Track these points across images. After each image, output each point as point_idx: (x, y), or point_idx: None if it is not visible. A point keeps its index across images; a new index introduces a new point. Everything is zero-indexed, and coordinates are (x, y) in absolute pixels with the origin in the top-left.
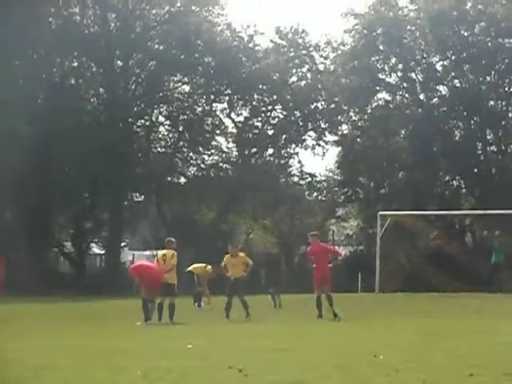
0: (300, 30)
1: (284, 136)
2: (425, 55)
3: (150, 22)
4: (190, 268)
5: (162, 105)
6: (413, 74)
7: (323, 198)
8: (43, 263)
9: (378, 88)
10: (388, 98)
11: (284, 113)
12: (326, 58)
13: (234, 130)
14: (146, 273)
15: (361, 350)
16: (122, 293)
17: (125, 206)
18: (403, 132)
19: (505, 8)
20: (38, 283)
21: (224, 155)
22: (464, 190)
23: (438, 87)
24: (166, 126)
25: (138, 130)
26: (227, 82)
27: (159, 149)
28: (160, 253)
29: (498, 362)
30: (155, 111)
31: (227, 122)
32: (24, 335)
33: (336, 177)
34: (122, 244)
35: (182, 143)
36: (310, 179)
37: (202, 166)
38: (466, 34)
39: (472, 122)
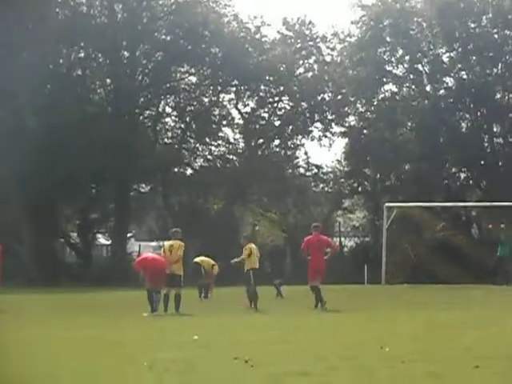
0: (307, 22)
1: (290, 127)
2: (432, 47)
3: (157, 13)
4: (197, 259)
5: (168, 96)
6: (419, 66)
7: (329, 190)
8: (49, 254)
9: (384, 80)
10: (395, 89)
11: (291, 104)
12: (332, 50)
13: (241, 121)
14: (150, 264)
15: (367, 342)
16: (129, 284)
17: (131, 197)
18: (410, 124)
19: None
20: (44, 274)
21: (231, 146)
22: (471, 182)
23: (444, 79)
24: (173, 117)
25: (145, 120)
26: (234, 72)
27: (166, 140)
28: (167, 243)
29: (503, 354)
30: (162, 102)
31: (234, 113)
32: (29, 326)
33: (342, 168)
34: (129, 235)
35: (188, 134)
36: (316, 171)
37: (209, 157)
38: (472, 25)
39: (479, 113)
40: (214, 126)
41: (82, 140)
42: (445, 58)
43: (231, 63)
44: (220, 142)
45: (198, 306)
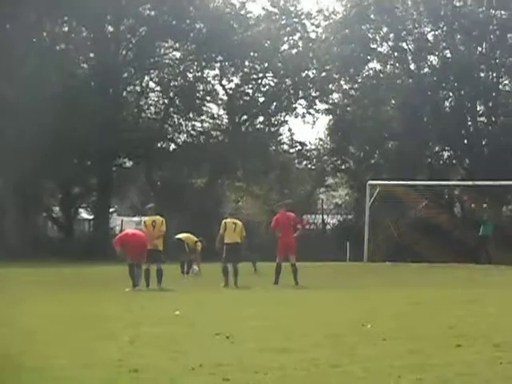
0: None
1: (275, 104)
2: (416, 25)
3: None
4: (180, 236)
5: (152, 71)
6: (404, 44)
7: (313, 167)
8: (32, 228)
9: (369, 57)
10: (379, 67)
11: (275, 80)
12: (317, 27)
13: (225, 97)
14: (131, 240)
15: (349, 319)
16: (110, 258)
17: (113, 172)
18: (393, 102)
19: None
20: (26, 247)
21: (214, 122)
22: (454, 161)
23: (428, 57)
24: (157, 92)
25: (129, 95)
26: (218, 48)
27: (149, 115)
28: (148, 218)
29: (485, 333)
30: (146, 77)
31: (218, 88)
32: (10, 301)
33: (326, 145)
34: (111, 210)
35: (172, 109)
36: (299, 147)
37: (193, 132)
38: (457, 4)
39: (462, 92)
40: (197, 101)
41: (65, 114)
42: (429, 37)
43: (216, 39)
44: (204, 117)
45: (180, 282)
